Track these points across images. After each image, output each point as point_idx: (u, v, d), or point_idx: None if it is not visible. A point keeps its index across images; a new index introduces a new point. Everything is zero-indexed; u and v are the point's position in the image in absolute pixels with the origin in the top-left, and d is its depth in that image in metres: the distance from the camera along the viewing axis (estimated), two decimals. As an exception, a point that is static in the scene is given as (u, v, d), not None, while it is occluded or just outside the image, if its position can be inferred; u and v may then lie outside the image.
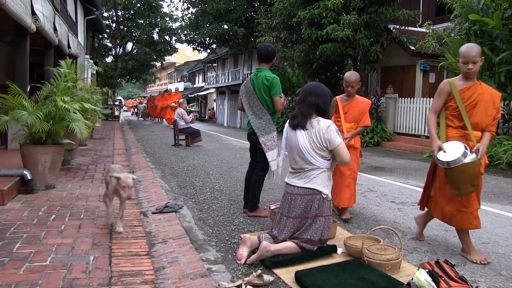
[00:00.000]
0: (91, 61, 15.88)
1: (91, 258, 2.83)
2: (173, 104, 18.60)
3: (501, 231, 4.06)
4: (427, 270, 2.35)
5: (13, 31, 6.25)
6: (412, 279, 2.36)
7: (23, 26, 5.60)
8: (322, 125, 3.08)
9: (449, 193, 3.25)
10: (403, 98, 12.90)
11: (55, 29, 7.39)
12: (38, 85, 5.20)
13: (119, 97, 47.37)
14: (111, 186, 3.41)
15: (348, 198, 4.25)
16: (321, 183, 3.09)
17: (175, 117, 11.47)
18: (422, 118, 12.01)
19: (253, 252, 3.06)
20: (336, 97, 4.43)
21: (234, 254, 3.14)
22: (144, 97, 49.50)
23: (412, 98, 12.66)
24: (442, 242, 3.71)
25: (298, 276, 2.70)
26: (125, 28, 28.08)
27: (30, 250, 2.90)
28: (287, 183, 3.24)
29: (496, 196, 5.78)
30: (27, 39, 6.15)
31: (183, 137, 11.43)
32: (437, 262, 2.45)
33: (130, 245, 3.15)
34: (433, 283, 2.22)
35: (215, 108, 33.66)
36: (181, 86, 44.36)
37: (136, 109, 35.95)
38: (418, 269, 2.43)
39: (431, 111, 3.43)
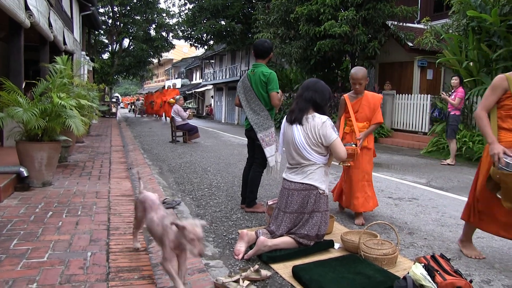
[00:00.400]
0: (87, 58, 15.82)
1: (89, 254, 2.82)
2: (171, 100, 18.57)
3: (497, 226, 4.08)
4: (423, 264, 2.37)
5: (6, 27, 6.21)
6: (408, 273, 2.38)
7: (17, 21, 5.56)
8: (317, 121, 3.08)
9: (488, 200, 2.98)
10: (400, 95, 12.91)
11: (50, 25, 7.35)
12: (34, 81, 5.17)
13: (116, 94, 47.21)
14: (170, 238, 2.34)
15: (362, 202, 4.02)
16: (318, 178, 3.10)
17: (172, 114, 11.46)
18: (420, 114, 12.02)
19: (250, 247, 3.07)
20: (344, 95, 4.21)
21: (232, 249, 3.15)
22: (141, 94, 49.36)
23: (409, 95, 12.67)
24: (438, 237, 3.73)
25: (296, 271, 2.71)
26: (122, 24, 27.96)
27: (27, 246, 2.89)
28: (284, 179, 3.25)
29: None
30: (21, 34, 6.11)
31: (180, 133, 11.42)
32: (432, 257, 2.47)
33: (128, 241, 3.14)
34: (428, 277, 2.23)
35: (212, 105, 33.62)
36: (178, 82, 44.25)
37: (133, 106, 35.87)
38: (414, 263, 2.44)
39: (482, 108, 3.00)
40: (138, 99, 36.83)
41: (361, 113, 4.09)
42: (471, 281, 2.31)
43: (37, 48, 7.76)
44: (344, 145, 3.54)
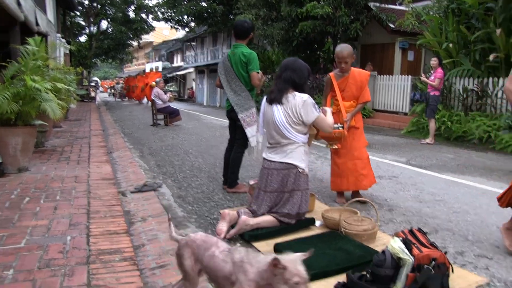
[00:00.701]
0: (63, 40, 15.35)
1: (68, 238, 2.79)
2: (153, 83, 18.31)
3: (471, 201, 4.21)
4: (401, 238, 2.41)
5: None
6: (387, 247, 2.41)
7: (-23, -2, 5.30)
8: (298, 100, 3.08)
9: None
10: (382, 76, 12.99)
11: (18, 4, 7.04)
12: (4, 63, 4.98)
13: (95, 78, 46.26)
14: (250, 277, 1.69)
15: (353, 181, 3.95)
16: (297, 157, 3.12)
17: (152, 97, 11.33)
18: (401, 95, 12.14)
19: (232, 227, 3.07)
20: (330, 74, 4.04)
21: (214, 229, 3.16)
22: (121, 77, 48.43)
23: (391, 76, 12.76)
24: (416, 212, 3.81)
25: (277, 249, 2.74)
26: (99, 6, 27.15)
27: (2, 233, 2.82)
28: (264, 158, 3.26)
29: (468, 169, 5.94)
30: (-16, 13, 5.83)
31: (162, 116, 11.31)
32: (410, 231, 2.51)
33: (108, 224, 3.12)
34: (406, 250, 2.28)
35: (194, 88, 33.29)
36: (159, 65, 43.57)
37: (113, 90, 35.20)
38: (392, 238, 2.48)
39: (511, 81, 2.85)
40: (118, 83, 36.15)
41: (348, 92, 3.95)
42: (445, 253, 2.38)
43: (6, 29, 7.44)
44: None
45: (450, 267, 2.35)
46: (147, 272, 2.46)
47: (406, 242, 2.33)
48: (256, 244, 2.90)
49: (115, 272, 2.36)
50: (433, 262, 2.25)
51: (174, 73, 38.14)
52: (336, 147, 3.84)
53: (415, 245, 2.33)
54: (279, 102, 3.12)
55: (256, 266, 1.68)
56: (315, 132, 3.45)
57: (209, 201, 4.02)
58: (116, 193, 4.01)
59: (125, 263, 2.49)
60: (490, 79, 9.39)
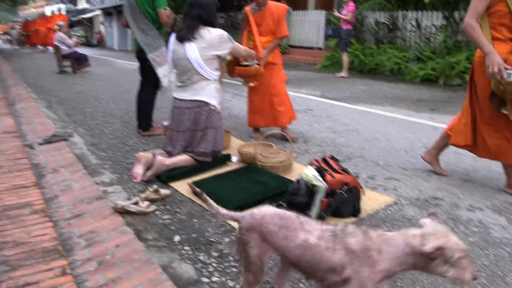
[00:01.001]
0: None
1: (-33, 198, 2.56)
2: (56, 27, 16.55)
3: (382, 129, 4.53)
4: (314, 166, 2.52)
5: None
6: (301, 176, 2.53)
7: None
8: (214, 34, 3.05)
9: (494, 120, 2.71)
10: (296, 11, 12.98)
11: None
12: None
13: (-15, 23, 40.70)
14: (384, 268, 1.29)
15: (271, 119, 3.98)
16: (208, 94, 3.10)
17: (55, 43, 10.31)
18: (315, 30, 12.31)
19: (148, 169, 3.03)
20: (246, 8, 3.89)
21: (130, 174, 3.09)
22: (17, 22, 43.15)
23: (305, 11, 12.80)
24: (330, 143, 4.03)
25: (195, 186, 2.74)
26: None
27: None
28: (175, 98, 3.20)
29: (379, 99, 6.35)
30: None
31: (68, 63, 10.43)
32: (323, 159, 2.64)
33: (14, 178, 2.93)
34: (319, 177, 2.39)
35: (103, 32, 30.83)
36: (62, 8, 39.32)
37: (8, 36, 31.37)
38: (306, 167, 2.60)
39: (471, 16, 2.57)
40: (13, 28, 32.20)
41: (265, 27, 3.85)
42: (357, 177, 2.54)
43: None
44: (247, 65, 3.51)
45: (362, 190, 2.50)
46: (62, 223, 2.36)
47: (319, 170, 2.43)
48: (174, 184, 2.90)
49: (26, 226, 2.25)
50: (346, 187, 2.38)
51: (79, 17, 34.76)
52: (253, 84, 3.81)
53: (328, 172, 2.44)
54: (192, 38, 3.02)
55: (392, 252, 1.29)
56: (225, 70, 3.41)
57: (124, 146, 3.90)
58: (21, 146, 3.73)
59: (36, 216, 2.38)
60: (400, 12, 9.82)
